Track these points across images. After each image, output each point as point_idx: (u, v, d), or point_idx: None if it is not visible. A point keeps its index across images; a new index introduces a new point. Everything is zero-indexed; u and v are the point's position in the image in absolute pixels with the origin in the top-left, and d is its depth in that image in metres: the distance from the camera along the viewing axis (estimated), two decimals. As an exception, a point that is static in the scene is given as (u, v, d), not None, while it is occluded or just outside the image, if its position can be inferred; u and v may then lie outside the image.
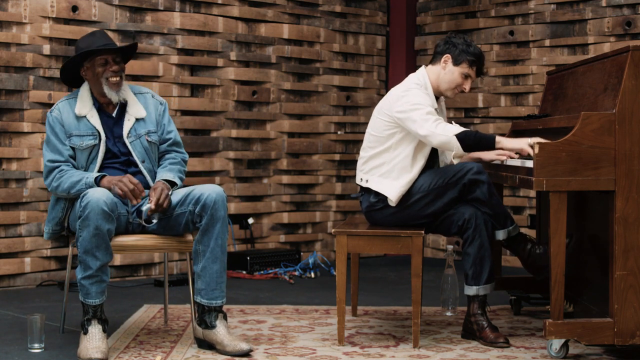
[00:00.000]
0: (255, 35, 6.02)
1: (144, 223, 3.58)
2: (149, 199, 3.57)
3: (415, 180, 3.80)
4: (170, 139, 3.86)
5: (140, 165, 3.73)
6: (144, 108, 3.80)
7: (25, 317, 3.67)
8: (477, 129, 6.27)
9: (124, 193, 3.50)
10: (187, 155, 3.91)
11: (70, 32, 5.24)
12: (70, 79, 3.85)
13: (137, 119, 3.77)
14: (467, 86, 3.87)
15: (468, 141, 3.65)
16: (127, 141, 3.72)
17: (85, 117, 3.70)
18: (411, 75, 3.93)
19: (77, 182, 3.58)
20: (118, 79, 3.70)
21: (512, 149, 3.69)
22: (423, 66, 3.94)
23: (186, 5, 5.73)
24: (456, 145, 3.65)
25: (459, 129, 3.67)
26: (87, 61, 3.71)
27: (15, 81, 5.06)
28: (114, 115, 3.76)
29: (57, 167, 3.65)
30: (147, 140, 3.77)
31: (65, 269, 4.32)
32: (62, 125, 3.69)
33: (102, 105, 3.75)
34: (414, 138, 3.78)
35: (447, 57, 3.86)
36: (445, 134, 3.65)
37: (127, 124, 3.74)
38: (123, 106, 3.77)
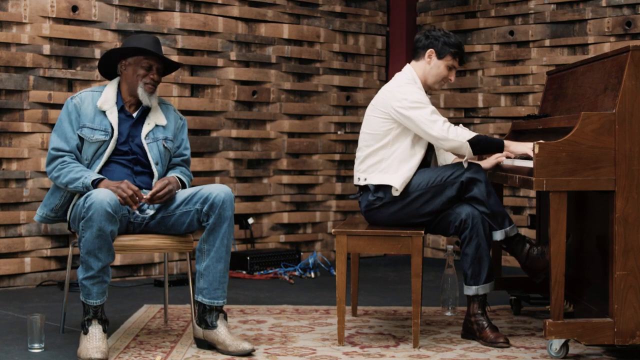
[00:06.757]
0: (255, 35, 6.02)
1: (135, 210, 3.61)
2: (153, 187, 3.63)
3: (413, 178, 3.81)
4: (185, 155, 3.91)
5: (153, 166, 3.75)
6: (165, 117, 3.83)
7: (25, 317, 3.67)
8: (477, 129, 6.28)
9: (124, 200, 3.51)
10: (192, 177, 3.97)
11: (70, 32, 5.24)
12: (102, 71, 3.87)
13: (156, 125, 3.79)
14: (452, 77, 3.97)
15: (479, 146, 3.73)
16: (144, 142, 3.74)
17: (104, 112, 3.71)
18: (399, 74, 3.96)
19: (75, 179, 3.59)
20: (154, 88, 3.75)
21: (518, 153, 3.77)
22: (408, 64, 3.98)
23: (186, 5, 5.73)
24: (468, 151, 3.69)
25: (470, 134, 3.71)
26: (132, 57, 3.74)
27: (15, 81, 5.06)
28: (134, 116, 3.77)
29: (61, 156, 3.65)
30: (164, 145, 3.79)
31: (65, 269, 4.32)
32: (78, 115, 3.70)
33: (124, 105, 3.77)
34: (410, 132, 3.79)
35: (430, 51, 3.91)
36: (457, 139, 3.70)
37: (147, 127, 3.77)
38: (145, 111, 3.79)
